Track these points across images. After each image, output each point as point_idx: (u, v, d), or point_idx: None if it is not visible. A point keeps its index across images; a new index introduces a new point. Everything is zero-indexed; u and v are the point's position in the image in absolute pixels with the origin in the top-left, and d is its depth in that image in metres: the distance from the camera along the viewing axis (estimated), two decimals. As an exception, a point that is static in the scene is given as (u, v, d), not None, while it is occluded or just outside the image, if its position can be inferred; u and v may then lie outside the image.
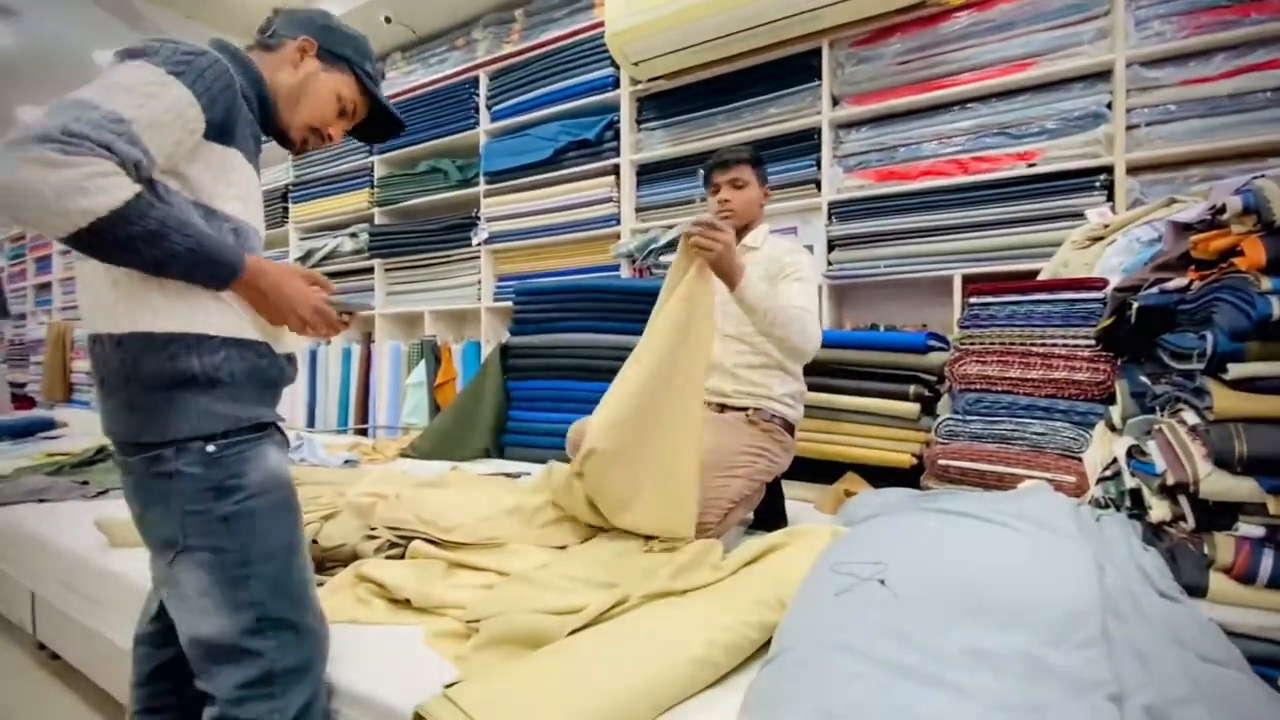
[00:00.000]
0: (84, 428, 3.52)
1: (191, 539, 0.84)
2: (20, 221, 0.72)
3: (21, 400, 5.60)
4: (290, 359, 0.99)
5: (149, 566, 0.96)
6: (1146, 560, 0.98)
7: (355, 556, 1.37)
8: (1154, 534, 1.11)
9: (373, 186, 3.77)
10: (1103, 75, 2.08)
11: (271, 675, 0.85)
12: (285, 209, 4.23)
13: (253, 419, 0.89)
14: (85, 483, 2.22)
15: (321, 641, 0.93)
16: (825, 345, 2.08)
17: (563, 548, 1.43)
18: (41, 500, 2.03)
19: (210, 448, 0.84)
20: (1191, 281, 1.16)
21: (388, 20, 3.47)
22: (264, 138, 1.03)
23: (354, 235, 3.88)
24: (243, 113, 0.91)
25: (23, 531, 1.83)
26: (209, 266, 0.82)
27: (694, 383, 1.37)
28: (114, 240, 0.73)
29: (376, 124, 1.14)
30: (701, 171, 1.77)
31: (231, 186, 0.90)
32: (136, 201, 0.74)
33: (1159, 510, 1.08)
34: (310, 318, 0.92)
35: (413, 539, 1.38)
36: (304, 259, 4.07)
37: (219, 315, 0.86)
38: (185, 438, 0.83)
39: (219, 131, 0.86)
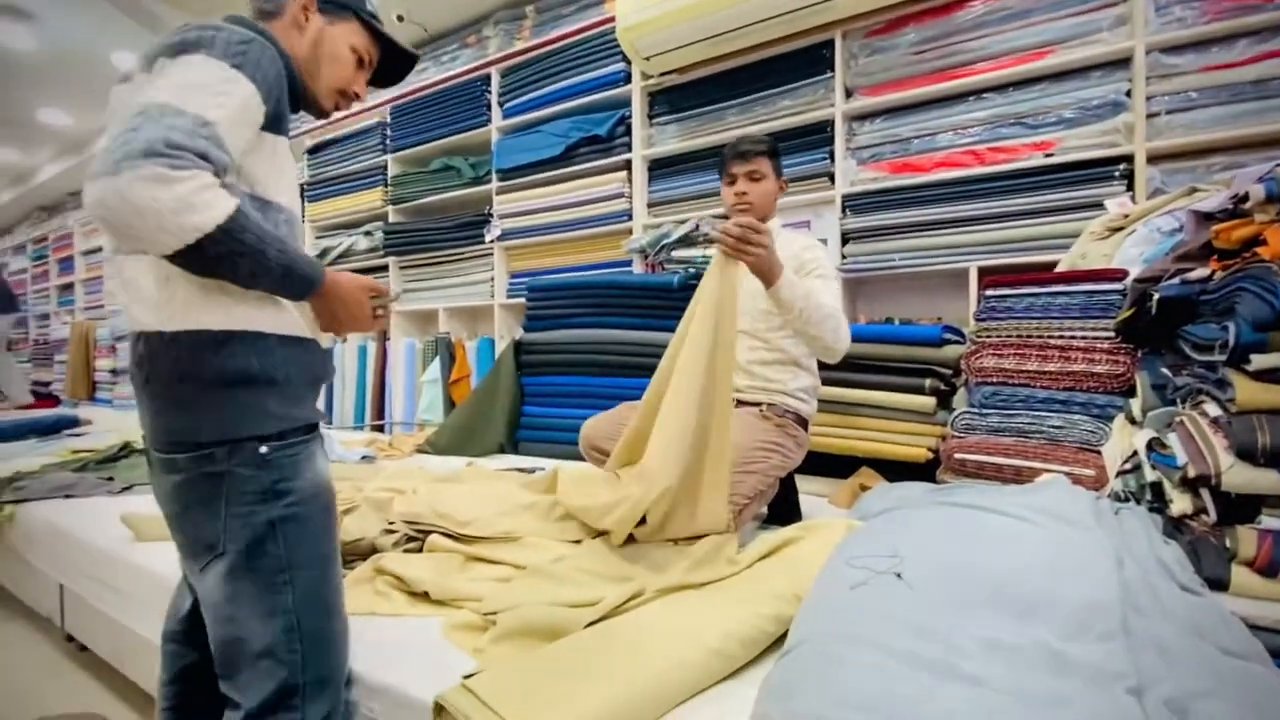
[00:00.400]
0: (107, 425, 3.59)
1: (233, 542, 0.82)
2: (127, 238, 0.71)
3: (46, 398, 5.71)
4: (329, 355, 0.98)
5: (179, 564, 0.95)
6: (1167, 553, 0.97)
7: (374, 550, 1.39)
8: (1175, 527, 1.10)
9: (386, 185, 3.80)
10: (1122, 63, 2.05)
11: (296, 687, 0.84)
12: (300, 208, 4.27)
13: (305, 419, 0.88)
14: (110, 478, 2.26)
15: (346, 651, 0.92)
16: (839, 339, 2.08)
17: (577, 542, 1.44)
18: (68, 496, 2.07)
19: (264, 449, 0.82)
20: (1213, 272, 1.15)
21: (400, 19, 3.49)
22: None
23: (368, 234, 3.91)
24: (287, 100, 0.88)
25: (51, 526, 1.88)
26: (297, 279, 0.82)
27: (727, 386, 1.36)
28: (218, 255, 0.73)
29: (389, 66, 1.09)
30: (719, 160, 1.73)
31: (283, 176, 0.88)
32: (238, 215, 0.73)
33: (1180, 503, 1.07)
34: (365, 329, 0.94)
35: (430, 533, 1.40)
36: (320, 257, 4.12)
37: (273, 313, 0.85)
38: (241, 437, 0.81)
39: (273, 121, 0.84)
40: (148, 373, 0.82)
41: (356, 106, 4.04)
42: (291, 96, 0.94)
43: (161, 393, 0.82)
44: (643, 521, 1.34)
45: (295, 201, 0.93)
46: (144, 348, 0.82)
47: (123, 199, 0.67)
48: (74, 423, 3.48)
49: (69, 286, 6.56)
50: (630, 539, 1.40)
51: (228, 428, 0.81)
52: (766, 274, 1.35)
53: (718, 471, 1.35)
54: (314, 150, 4.22)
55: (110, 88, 0.88)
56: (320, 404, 4.04)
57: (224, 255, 0.73)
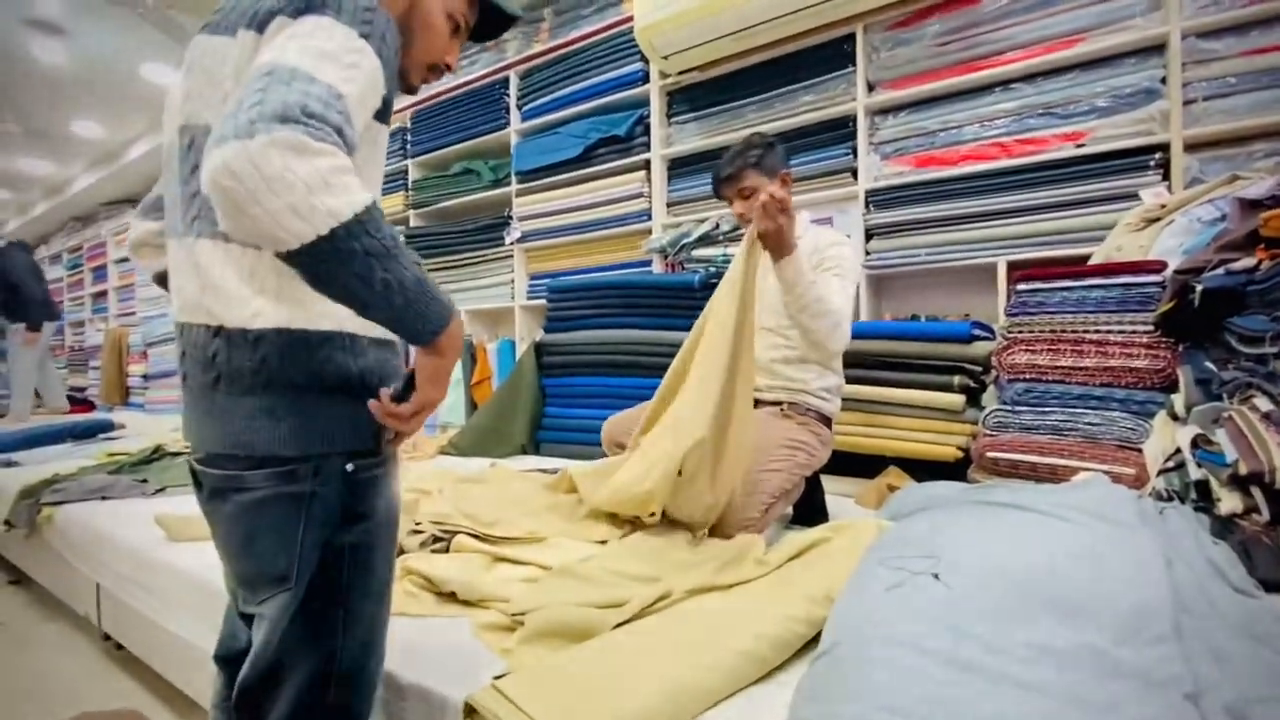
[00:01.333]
0: (140, 429, 3.68)
1: (304, 571, 0.72)
2: (248, 219, 0.55)
3: (81, 403, 5.87)
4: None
5: (224, 583, 0.88)
6: (1217, 554, 0.94)
7: (401, 551, 1.40)
8: (1224, 527, 1.06)
9: (408, 189, 3.84)
10: (1156, 49, 1.99)
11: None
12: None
13: (390, 432, 0.77)
14: (144, 480, 2.31)
15: (375, 691, 0.84)
16: (865, 336, 2.05)
17: (603, 542, 1.43)
18: (104, 498, 2.12)
19: (350, 466, 0.74)
20: (1260, 261, 1.11)
21: (419, 24, 3.52)
22: None
23: (390, 237, 3.95)
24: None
25: (88, 528, 1.92)
26: (431, 308, 0.65)
27: (750, 364, 1.36)
28: (350, 253, 0.58)
29: (488, 21, 0.92)
30: (712, 183, 1.72)
31: (379, 169, 0.77)
32: (375, 209, 0.59)
33: (1229, 502, 1.03)
34: (433, 410, 0.75)
35: (456, 533, 1.40)
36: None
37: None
38: (330, 452, 0.72)
39: (383, 106, 0.72)
40: (219, 374, 0.71)
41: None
42: None
43: (238, 398, 0.70)
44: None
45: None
46: (219, 345, 0.70)
47: (255, 168, 0.54)
48: (109, 426, 3.56)
49: (103, 294, 6.73)
50: (661, 522, 1.40)
51: (317, 440, 0.71)
52: (777, 247, 1.36)
53: (740, 450, 1.35)
54: (336, 156, 4.27)
55: (143, 94, 0.80)
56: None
57: (358, 254, 0.58)
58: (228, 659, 0.90)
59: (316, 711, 0.76)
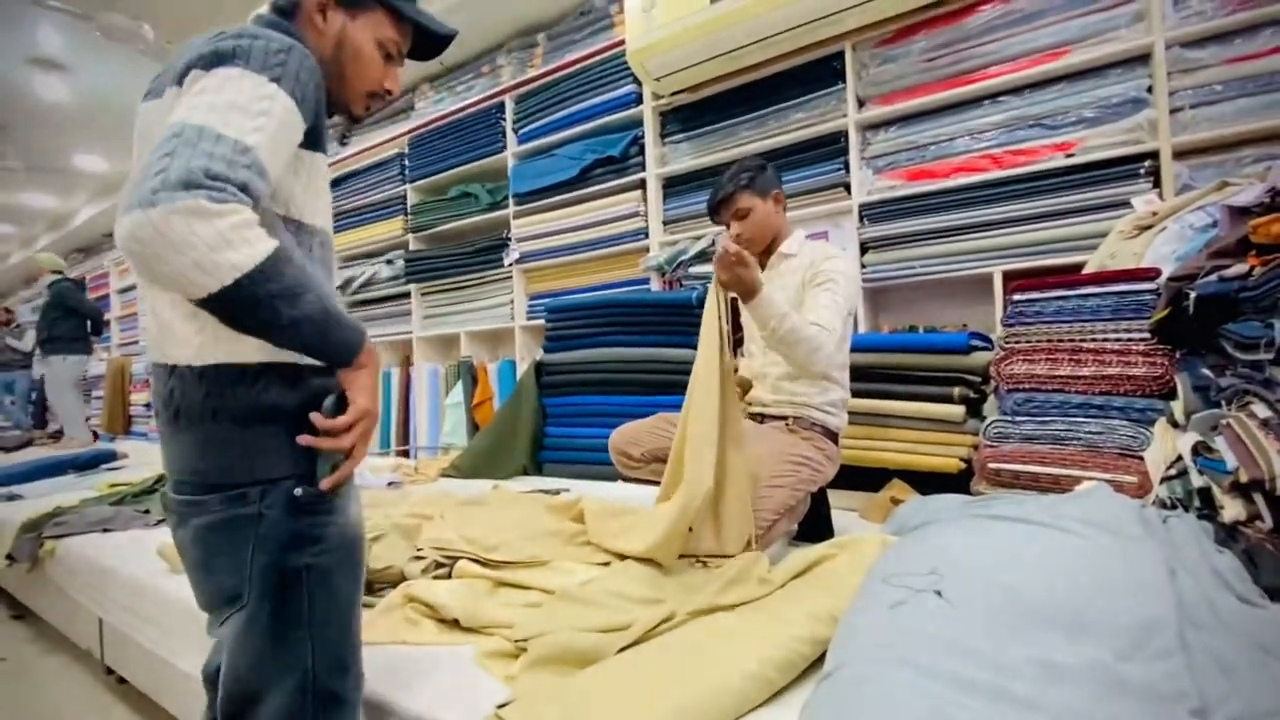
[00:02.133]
0: (142, 459, 3.67)
1: (256, 592, 0.76)
2: (160, 276, 0.63)
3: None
4: None
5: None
6: (1221, 563, 0.93)
7: (403, 578, 1.39)
8: (1228, 535, 1.05)
9: (406, 213, 3.87)
10: (1141, 59, 2.01)
11: None
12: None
13: (341, 459, 0.80)
14: (146, 511, 2.30)
15: (356, 709, 0.85)
16: (864, 349, 2.05)
17: (606, 564, 1.42)
18: (106, 530, 2.12)
19: (298, 491, 0.77)
20: (1253, 267, 1.11)
21: (415, 52, 3.57)
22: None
23: (390, 262, 3.98)
24: (323, 110, 0.80)
25: (90, 561, 1.91)
26: (339, 338, 0.73)
27: (732, 403, 1.42)
28: (256, 298, 0.65)
29: (424, 43, 0.97)
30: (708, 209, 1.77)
31: (319, 196, 0.82)
32: (280, 254, 0.66)
33: (1232, 509, 1.02)
34: (372, 424, 0.80)
35: (458, 559, 1.40)
36: (343, 287, 4.19)
37: None
38: (275, 477, 0.76)
39: (311, 137, 0.77)
40: (176, 408, 0.77)
41: (376, 138, 4.13)
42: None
43: (190, 430, 0.77)
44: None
45: (330, 223, 0.87)
46: (174, 383, 0.77)
47: (158, 233, 0.61)
48: (111, 457, 3.57)
49: (105, 324, 6.76)
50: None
51: (263, 467, 0.76)
52: (742, 294, 1.41)
53: (738, 485, 1.38)
54: (335, 183, 4.32)
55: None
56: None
57: (262, 299, 0.66)
58: (212, 679, 0.92)
59: None
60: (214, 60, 0.71)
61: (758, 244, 1.70)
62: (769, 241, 1.71)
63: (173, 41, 3.44)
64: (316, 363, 0.78)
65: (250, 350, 0.75)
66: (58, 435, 5.30)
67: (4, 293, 9.72)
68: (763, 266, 1.70)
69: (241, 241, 0.64)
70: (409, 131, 3.84)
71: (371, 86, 0.90)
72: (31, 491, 2.79)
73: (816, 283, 1.58)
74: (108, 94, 4.31)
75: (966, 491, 1.72)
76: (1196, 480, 1.16)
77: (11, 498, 2.69)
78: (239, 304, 0.65)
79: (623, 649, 1.00)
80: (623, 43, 2.75)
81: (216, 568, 0.78)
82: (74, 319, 4.53)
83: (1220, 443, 1.07)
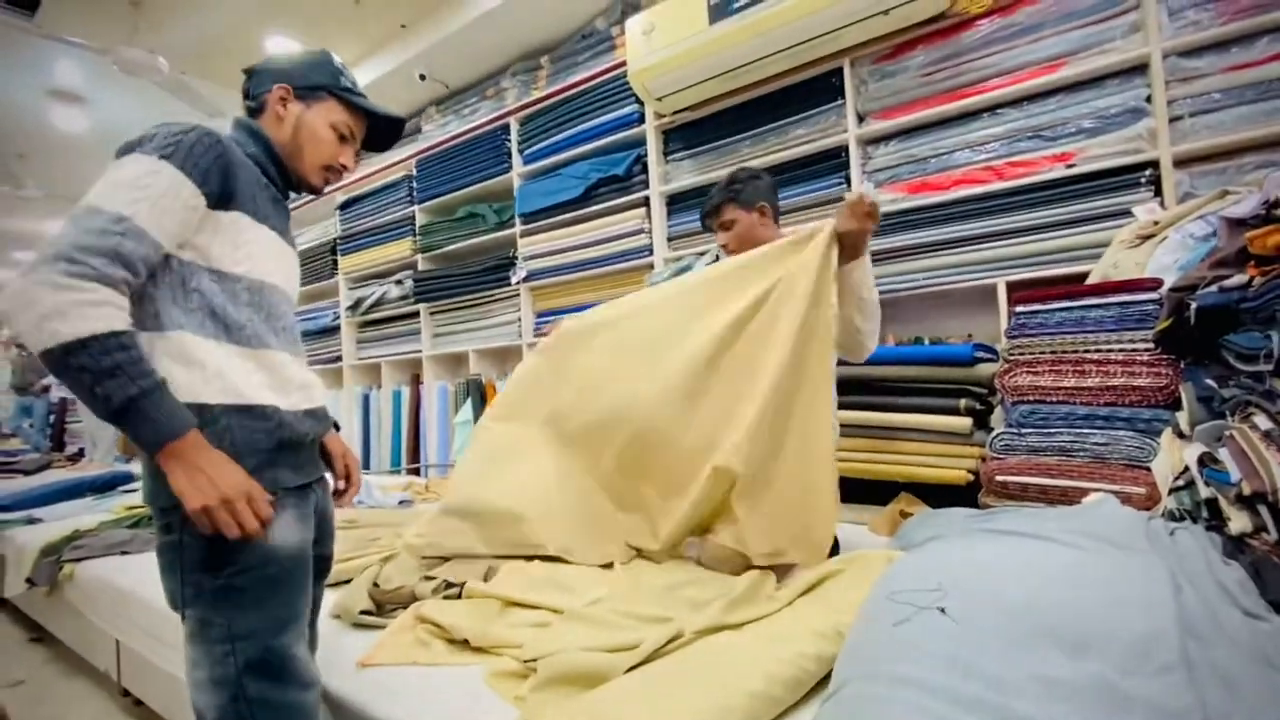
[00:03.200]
0: (158, 480, 3.71)
1: (188, 607, 0.88)
2: (13, 330, 0.78)
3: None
4: (311, 415, 1.00)
5: None
6: (1228, 576, 0.93)
7: (414, 597, 1.41)
8: (1236, 547, 1.04)
9: (415, 234, 3.93)
10: (1139, 69, 2.03)
11: None
12: (334, 261, 4.44)
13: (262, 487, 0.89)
14: (162, 534, 2.33)
15: (307, 711, 0.94)
16: (870, 361, 2.05)
17: (608, 565, 1.44)
18: (124, 553, 2.15)
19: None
20: (1252, 278, 1.12)
21: (422, 77, 3.65)
22: (289, 195, 1.08)
23: (399, 282, 4.03)
24: (243, 178, 0.94)
25: (107, 584, 1.94)
26: (145, 425, 0.80)
27: (825, 385, 1.36)
28: (66, 366, 0.76)
29: (378, 131, 1.15)
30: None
31: (240, 249, 0.94)
32: (105, 339, 0.76)
33: (1238, 521, 1.02)
34: (230, 498, 0.83)
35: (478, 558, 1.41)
36: (353, 308, 4.25)
37: (218, 382, 0.89)
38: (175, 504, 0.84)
39: (219, 199, 0.91)
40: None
41: (384, 161, 4.22)
42: (283, 178, 1.05)
43: (140, 457, 0.90)
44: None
45: (268, 269, 0.98)
46: None
47: (16, 296, 0.75)
48: (128, 479, 3.61)
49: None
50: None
51: (167, 494, 0.83)
52: (854, 247, 1.36)
53: (816, 468, 1.29)
54: (345, 206, 4.40)
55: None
56: (353, 450, 4.15)
57: (72, 368, 0.76)
58: None
59: None
60: (124, 150, 0.88)
61: (743, 250, 1.73)
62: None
63: (186, 73, 3.53)
64: (228, 401, 0.89)
65: (187, 390, 0.86)
66: (75, 458, 5.38)
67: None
68: None
69: (77, 316, 0.76)
70: (417, 154, 3.91)
71: (326, 160, 1.07)
72: (50, 515, 2.83)
73: None
74: (124, 125, 4.41)
75: (974, 503, 1.72)
76: (1204, 491, 1.15)
77: (31, 521, 2.73)
78: (53, 366, 0.77)
79: (631, 668, 1.01)
80: (624, 64, 2.79)
81: (165, 584, 0.92)
82: None
83: (1224, 454, 1.06)
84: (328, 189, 1.14)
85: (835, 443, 1.37)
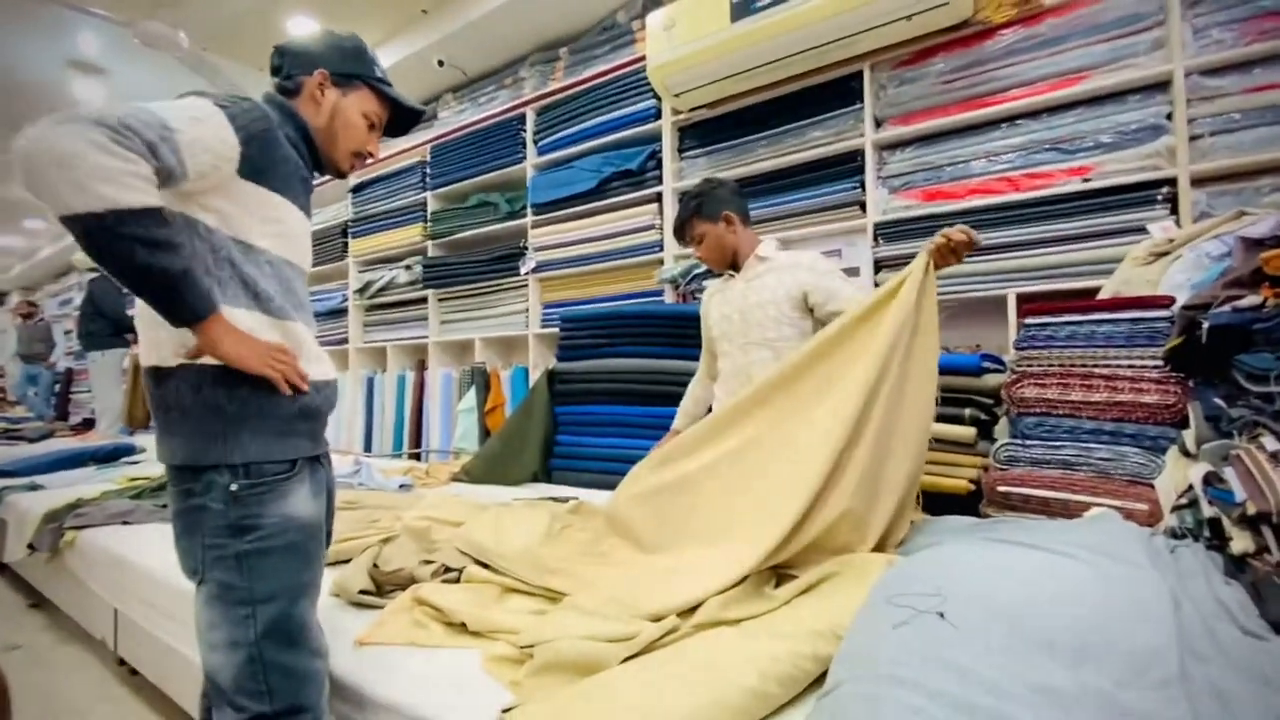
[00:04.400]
0: (161, 453, 3.73)
1: (209, 572, 0.89)
2: (36, 187, 0.71)
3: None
4: (328, 386, 1.03)
5: None
6: (1228, 595, 0.93)
7: (413, 580, 1.41)
8: (1236, 566, 1.04)
9: (426, 220, 3.94)
10: (1160, 86, 2.02)
11: (266, 716, 0.90)
12: (345, 244, 4.45)
13: (282, 455, 0.93)
14: (164, 506, 2.35)
15: (318, 679, 0.96)
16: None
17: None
18: (125, 523, 2.16)
19: (234, 486, 0.89)
20: (1266, 299, 1.11)
21: (440, 64, 3.65)
22: (316, 177, 1.10)
23: (409, 267, 4.04)
24: (280, 155, 0.96)
25: (108, 552, 1.96)
26: (184, 299, 0.81)
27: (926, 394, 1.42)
28: (115, 234, 0.73)
29: (398, 120, 1.17)
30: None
31: (267, 224, 0.95)
32: (155, 212, 0.76)
33: (1241, 542, 1.02)
34: (270, 364, 0.90)
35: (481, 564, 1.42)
36: (362, 290, 4.26)
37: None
38: (211, 465, 0.88)
39: (252, 170, 0.91)
40: (150, 404, 0.93)
41: (399, 146, 4.23)
42: (314, 161, 1.07)
43: (158, 422, 0.92)
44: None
45: (288, 249, 0.99)
46: (147, 381, 0.93)
47: (51, 145, 0.70)
48: (131, 451, 3.63)
49: (131, 327, 6.89)
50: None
51: (202, 456, 0.88)
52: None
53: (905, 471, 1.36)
54: (357, 189, 4.41)
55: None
56: (355, 432, 4.17)
57: (123, 236, 0.73)
58: None
59: (257, 700, 0.89)
60: (186, 94, 0.90)
61: (716, 264, 1.80)
62: (729, 260, 1.78)
63: (207, 49, 3.54)
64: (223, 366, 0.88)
65: (165, 355, 0.88)
66: (78, 427, 5.41)
67: (31, 286, 9.96)
68: (736, 274, 1.81)
69: (125, 186, 0.73)
70: (432, 140, 3.91)
71: (357, 147, 1.10)
72: (53, 482, 2.85)
73: (822, 283, 1.67)
74: (141, 97, 4.38)
75: (975, 513, 1.71)
76: (1207, 510, 1.15)
77: (34, 487, 2.75)
78: (100, 234, 0.73)
79: (626, 659, 1.02)
80: (643, 59, 2.79)
81: (182, 548, 0.94)
82: (102, 318, 4.67)
83: (1230, 474, 1.06)
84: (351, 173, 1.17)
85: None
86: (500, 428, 3.12)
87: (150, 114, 0.79)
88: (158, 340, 0.90)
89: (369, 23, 3.67)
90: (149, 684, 1.78)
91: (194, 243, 0.88)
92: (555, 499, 2.19)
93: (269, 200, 0.95)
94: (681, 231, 1.80)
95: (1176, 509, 1.29)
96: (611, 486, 1.77)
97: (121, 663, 1.94)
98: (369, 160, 1.14)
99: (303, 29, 3.57)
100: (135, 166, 0.75)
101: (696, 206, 1.75)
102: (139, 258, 0.76)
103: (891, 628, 0.86)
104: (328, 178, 1.17)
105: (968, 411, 1.89)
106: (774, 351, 1.70)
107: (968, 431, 1.88)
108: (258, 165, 0.92)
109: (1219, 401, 1.25)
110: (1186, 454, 1.36)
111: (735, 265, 1.80)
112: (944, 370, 1.99)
